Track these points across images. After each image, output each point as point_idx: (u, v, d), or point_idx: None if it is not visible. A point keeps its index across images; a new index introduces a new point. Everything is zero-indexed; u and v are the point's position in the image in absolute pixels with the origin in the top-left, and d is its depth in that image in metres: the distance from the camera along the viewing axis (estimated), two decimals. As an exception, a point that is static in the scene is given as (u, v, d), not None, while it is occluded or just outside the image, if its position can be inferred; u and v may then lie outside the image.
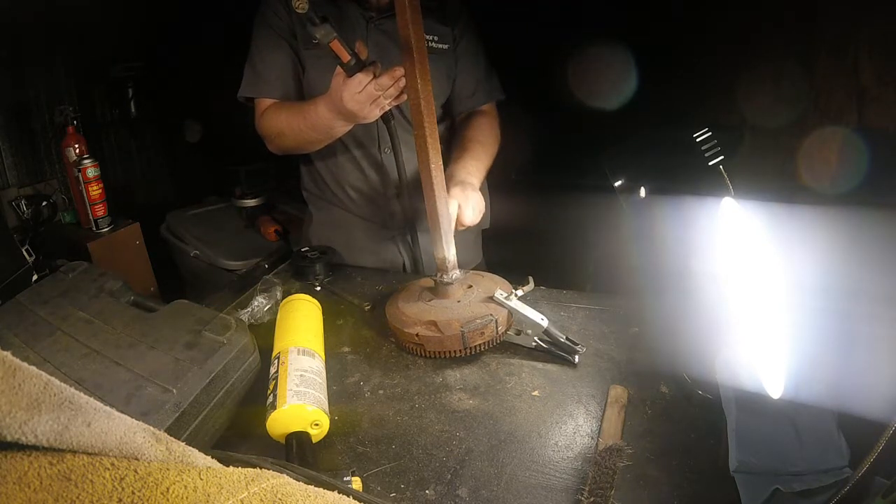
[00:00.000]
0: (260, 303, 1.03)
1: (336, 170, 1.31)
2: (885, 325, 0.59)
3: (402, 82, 0.92)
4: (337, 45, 0.89)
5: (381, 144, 1.25)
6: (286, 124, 1.13)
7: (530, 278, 1.07)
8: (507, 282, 1.02)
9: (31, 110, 1.89)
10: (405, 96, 0.95)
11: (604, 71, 1.80)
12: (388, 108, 0.99)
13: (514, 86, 1.39)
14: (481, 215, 1.12)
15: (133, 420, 0.32)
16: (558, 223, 1.53)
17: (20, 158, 1.87)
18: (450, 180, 1.12)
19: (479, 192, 1.13)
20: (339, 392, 0.86)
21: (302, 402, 0.71)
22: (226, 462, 0.34)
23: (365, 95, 0.93)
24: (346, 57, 0.90)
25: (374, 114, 0.97)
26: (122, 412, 0.31)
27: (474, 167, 1.19)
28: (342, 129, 1.08)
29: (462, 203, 1.05)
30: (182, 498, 0.27)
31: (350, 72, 0.92)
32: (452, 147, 1.28)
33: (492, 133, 1.31)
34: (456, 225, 1.06)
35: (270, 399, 0.73)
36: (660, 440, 0.73)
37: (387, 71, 0.92)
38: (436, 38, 1.22)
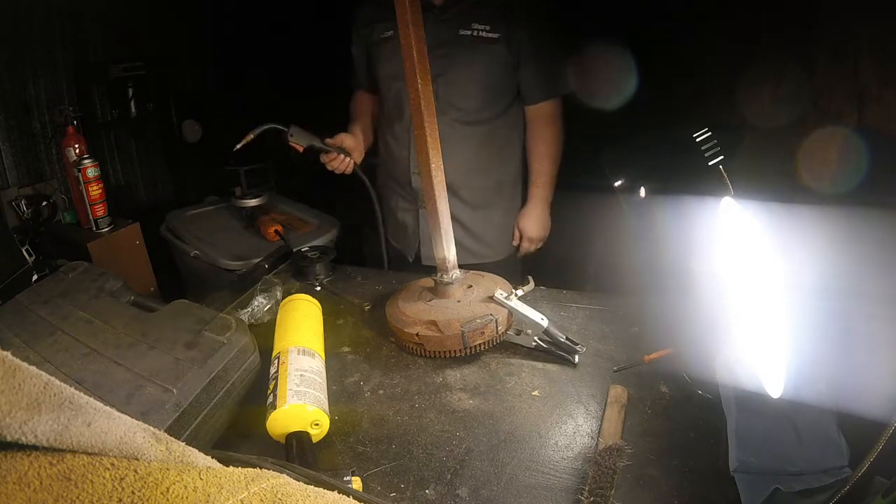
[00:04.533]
0: (260, 303, 1.04)
1: (382, 121, 1.48)
2: (885, 324, 0.59)
3: (333, 164, 1.27)
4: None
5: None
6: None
7: (530, 278, 1.07)
8: (507, 282, 1.02)
9: (31, 110, 1.89)
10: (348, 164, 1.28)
11: (603, 71, 1.79)
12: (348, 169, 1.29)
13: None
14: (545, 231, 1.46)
15: (133, 420, 0.32)
16: (558, 223, 1.53)
17: (20, 158, 1.86)
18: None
19: (541, 205, 1.43)
20: (339, 392, 0.86)
21: (302, 402, 0.72)
22: (226, 462, 0.34)
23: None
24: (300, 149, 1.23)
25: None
26: (122, 412, 0.31)
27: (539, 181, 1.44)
28: None
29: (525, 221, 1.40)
30: (182, 498, 0.27)
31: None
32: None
33: (544, 143, 1.41)
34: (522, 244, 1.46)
35: (270, 399, 0.73)
36: (660, 440, 0.73)
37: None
38: (487, 28, 1.27)
